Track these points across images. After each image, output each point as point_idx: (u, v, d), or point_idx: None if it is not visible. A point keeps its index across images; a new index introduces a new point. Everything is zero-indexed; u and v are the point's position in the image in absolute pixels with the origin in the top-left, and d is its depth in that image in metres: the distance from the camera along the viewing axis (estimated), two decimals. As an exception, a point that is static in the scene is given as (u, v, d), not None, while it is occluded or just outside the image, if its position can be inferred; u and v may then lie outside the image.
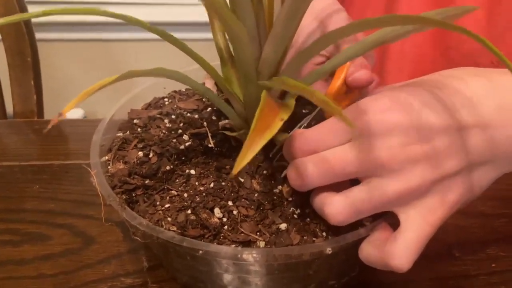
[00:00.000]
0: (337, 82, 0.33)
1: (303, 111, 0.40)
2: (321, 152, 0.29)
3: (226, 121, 0.38)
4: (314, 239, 0.29)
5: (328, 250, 0.28)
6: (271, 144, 0.36)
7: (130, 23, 0.30)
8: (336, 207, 0.28)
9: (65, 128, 0.58)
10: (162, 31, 0.31)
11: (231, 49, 0.37)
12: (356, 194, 0.28)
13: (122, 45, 1.42)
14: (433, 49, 0.57)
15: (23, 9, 0.63)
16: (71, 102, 0.24)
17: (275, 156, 0.35)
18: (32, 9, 0.74)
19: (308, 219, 0.31)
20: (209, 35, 0.38)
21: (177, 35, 0.31)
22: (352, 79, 0.33)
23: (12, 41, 0.60)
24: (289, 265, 0.29)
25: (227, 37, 0.38)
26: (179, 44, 0.32)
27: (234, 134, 0.35)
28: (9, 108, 0.70)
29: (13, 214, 0.44)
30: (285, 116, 0.24)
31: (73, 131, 0.57)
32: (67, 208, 0.45)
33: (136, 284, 0.37)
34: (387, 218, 0.29)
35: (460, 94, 0.28)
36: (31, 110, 0.60)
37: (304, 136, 0.30)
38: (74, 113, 1.23)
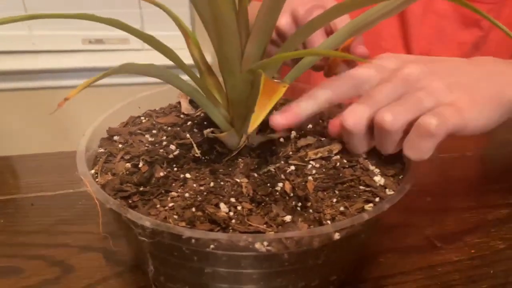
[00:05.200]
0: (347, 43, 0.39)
1: None
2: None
3: (210, 129, 0.38)
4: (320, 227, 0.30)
5: (337, 235, 0.28)
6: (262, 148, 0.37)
7: (118, 27, 0.31)
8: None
9: (24, 162, 0.54)
10: (149, 35, 0.31)
11: (208, 56, 0.38)
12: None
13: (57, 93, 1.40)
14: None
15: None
16: (77, 88, 0.24)
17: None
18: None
19: (311, 210, 0.31)
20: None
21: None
22: (358, 49, 0.40)
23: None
24: (300, 254, 0.29)
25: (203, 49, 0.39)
26: (166, 49, 0.33)
27: (222, 134, 0.35)
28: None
29: (-22, 250, 0.40)
30: (286, 85, 0.25)
31: (33, 164, 0.54)
32: (38, 240, 0.41)
33: (128, 306, 0.34)
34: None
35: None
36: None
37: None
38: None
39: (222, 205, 0.30)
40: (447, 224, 0.45)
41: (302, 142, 0.37)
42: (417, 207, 0.48)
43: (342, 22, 0.42)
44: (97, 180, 0.33)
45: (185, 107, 0.46)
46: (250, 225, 0.29)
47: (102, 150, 0.37)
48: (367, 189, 0.33)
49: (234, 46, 0.31)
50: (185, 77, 0.35)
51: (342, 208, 0.31)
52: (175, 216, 0.29)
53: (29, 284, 0.36)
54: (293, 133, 0.39)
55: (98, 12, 0.28)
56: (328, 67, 0.44)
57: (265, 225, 0.29)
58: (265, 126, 0.39)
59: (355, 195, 0.32)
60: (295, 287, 0.31)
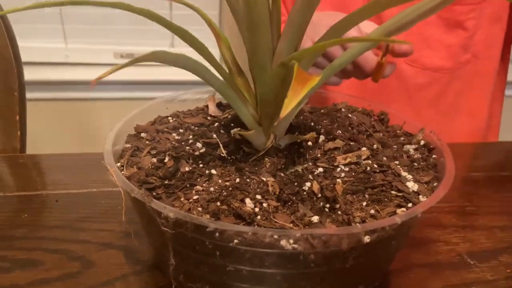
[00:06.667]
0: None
1: None
2: None
3: (238, 129, 0.37)
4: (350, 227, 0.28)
5: (367, 238, 0.27)
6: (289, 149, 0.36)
7: (149, 17, 0.31)
8: None
9: (50, 161, 0.55)
10: (181, 28, 0.31)
11: (239, 55, 0.38)
12: None
13: (90, 104, 1.44)
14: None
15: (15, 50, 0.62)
16: (109, 70, 0.24)
17: None
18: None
19: (340, 212, 0.30)
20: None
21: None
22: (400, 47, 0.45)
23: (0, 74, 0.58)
24: (327, 256, 0.27)
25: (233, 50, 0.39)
26: (198, 44, 0.33)
27: (249, 133, 0.34)
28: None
29: (1, 241, 0.40)
30: (320, 75, 0.24)
31: (59, 164, 0.54)
32: (60, 235, 0.41)
33: (146, 304, 0.33)
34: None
35: None
36: (13, 147, 0.57)
37: None
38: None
39: (247, 201, 0.29)
40: (480, 242, 0.43)
41: (330, 145, 0.36)
42: (448, 223, 0.46)
43: (368, 28, 0.44)
44: (122, 172, 0.33)
45: (212, 109, 0.45)
46: (276, 222, 0.28)
47: (128, 145, 0.37)
48: (399, 194, 0.32)
49: (266, 40, 0.31)
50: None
51: (372, 211, 0.30)
52: (199, 209, 0.28)
53: (49, 277, 0.36)
54: (322, 137, 0.38)
55: (128, 14, 0.29)
56: (375, 70, 0.46)
57: (291, 224, 0.28)
58: (293, 128, 0.39)
59: (386, 200, 0.31)
60: (320, 292, 0.30)
